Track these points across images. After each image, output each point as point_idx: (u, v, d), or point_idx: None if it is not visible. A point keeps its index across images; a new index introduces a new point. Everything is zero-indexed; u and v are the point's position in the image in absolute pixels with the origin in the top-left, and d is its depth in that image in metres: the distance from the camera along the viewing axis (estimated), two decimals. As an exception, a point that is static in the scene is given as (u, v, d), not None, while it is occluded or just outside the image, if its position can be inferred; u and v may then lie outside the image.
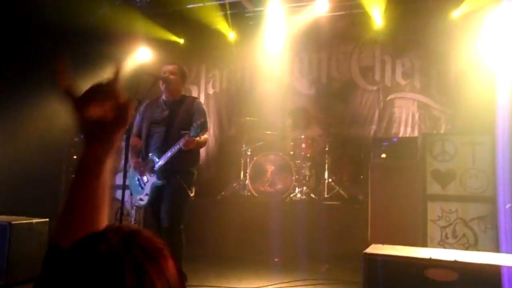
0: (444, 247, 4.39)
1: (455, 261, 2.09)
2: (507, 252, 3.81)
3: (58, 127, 6.91)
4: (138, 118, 3.60)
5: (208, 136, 4.07)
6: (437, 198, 4.55)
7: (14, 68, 5.94)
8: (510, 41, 5.44)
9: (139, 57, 7.02)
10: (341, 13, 6.64)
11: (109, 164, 0.88)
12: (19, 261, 3.60)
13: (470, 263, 2.08)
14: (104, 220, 0.86)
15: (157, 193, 3.43)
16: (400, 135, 6.15)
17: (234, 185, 6.04)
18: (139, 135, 3.58)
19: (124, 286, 0.57)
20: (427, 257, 2.14)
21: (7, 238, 3.53)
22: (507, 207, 5.19)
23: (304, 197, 5.56)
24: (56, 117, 6.77)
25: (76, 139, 6.92)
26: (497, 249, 4.20)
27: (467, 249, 4.29)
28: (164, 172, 3.37)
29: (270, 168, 5.59)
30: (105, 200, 0.87)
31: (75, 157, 6.87)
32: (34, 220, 3.82)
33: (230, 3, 6.74)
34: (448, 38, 6.05)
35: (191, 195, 3.56)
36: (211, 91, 7.39)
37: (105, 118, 0.84)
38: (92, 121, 0.84)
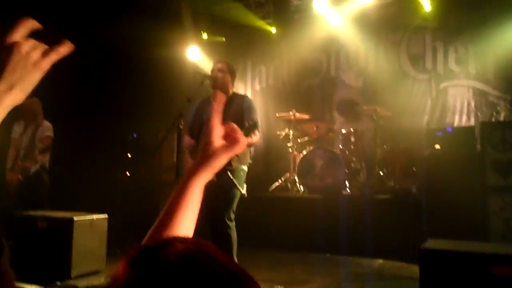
0: (505, 243, 4.16)
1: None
2: None
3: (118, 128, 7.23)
4: (190, 118, 3.67)
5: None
6: (499, 189, 4.31)
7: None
8: None
9: (189, 55, 7.18)
10: (387, 0, 6.43)
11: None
12: (81, 255, 3.80)
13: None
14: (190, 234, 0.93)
15: (208, 189, 3.47)
16: (455, 124, 5.88)
17: (283, 180, 6.03)
18: (191, 135, 3.64)
19: None
20: (492, 252, 2.04)
21: (71, 233, 3.73)
22: None
23: (355, 191, 5.46)
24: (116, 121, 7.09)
25: (129, 139, 7.19)
26: None
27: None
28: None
29: (319, 162, 5.53)
30: (195, 215, 0.97)
31: (129, 155, 7.15)
32: (95, 216, 4.01)
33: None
34: (505, 18, 5.69)
35: (243, 192, 3.57)
36: (258, 87, 7.41)
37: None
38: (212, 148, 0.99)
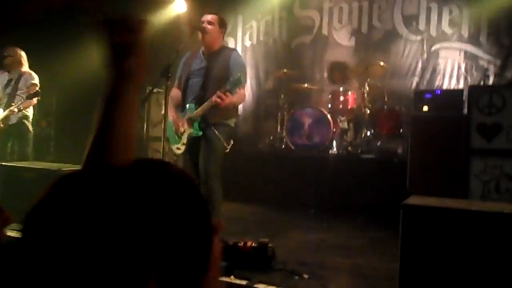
0: (486, 202, 4.29)
1: (501, 213, 2.05)
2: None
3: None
4: (179, 69, 3.61)
5: (246, 90, 4.04)
6: (481, 152, 4.40)
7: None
8: None
9: (176, 8, 6.96)
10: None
11: (136, 95, 0.89)
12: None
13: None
14: (133, 151, 0.85)
15: (194, 144, 3.47)
16: (444, 87, 5.90)
17: (271, 138, 6.06)
18: (179, 87, 3.60)
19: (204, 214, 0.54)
20: (470, 208, 2.11)
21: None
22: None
23: (341, 150, 5.52)
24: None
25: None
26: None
27: (511, 203, 4.17)
28: (201, 124, 3.39)
29: (308, 121, 5.55)
30: (133, 129, 0.87)
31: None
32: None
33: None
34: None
35: (228, 147, 3.57)
36: (248, 43, 7.28)
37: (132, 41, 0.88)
38: (124, 40, 0.88)
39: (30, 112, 5.07)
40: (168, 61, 3.32)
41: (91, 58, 6.64)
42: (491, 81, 5.74)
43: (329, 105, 5.70)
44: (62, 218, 0.49)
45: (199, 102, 3.40)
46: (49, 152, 7.18)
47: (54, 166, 4.03)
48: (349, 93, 5.61)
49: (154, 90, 3.89)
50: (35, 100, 4.94)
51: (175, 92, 3.58)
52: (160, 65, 3.30)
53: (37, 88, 4.94)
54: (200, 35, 3.44)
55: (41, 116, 6.89)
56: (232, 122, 3.57)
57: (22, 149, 5.01)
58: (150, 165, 0.56)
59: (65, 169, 3.79)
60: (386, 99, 5.70)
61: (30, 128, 5.08)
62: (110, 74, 0.89)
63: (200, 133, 3.41)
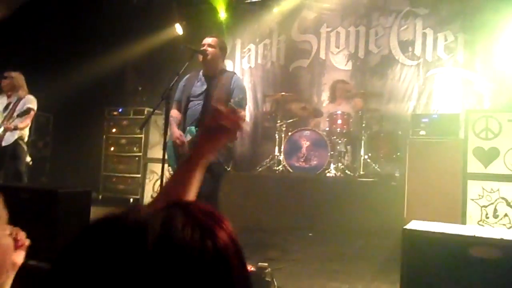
0: (484, 227, 4.28)
1: (501, 239, 2.04)
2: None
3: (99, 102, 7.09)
4: (178, 92, 3.63)
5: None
6: (479, 176, 4.41)
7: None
8: None
9: (174, 31, 7.07)
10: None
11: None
12: (64, 229, 3.76)
13: (517, 242, 2.03)
14: None
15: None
16: (441, 111, 5.96)
17: (269, 160, 6.06)
18: (178, 109, 3.61)
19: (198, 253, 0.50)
20: (471, 234, 2.10)
21: (55, 206, 3.67)
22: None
23: (339, 173, 5.52)
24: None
25: (114, 113, 7.09)
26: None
27: (509, 229, 4.17)
28: None
29: (305, 143, 5.56)
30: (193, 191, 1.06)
31: (113, 130, 7.07)
32: (79, 190, 3.97)
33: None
34: (495, 8, 5.74)
35: (227, 169, 3.57)
36: (246, 66, 7.36)
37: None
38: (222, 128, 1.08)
39: (26, 133, 5.07)
40: (169, 84, 3.34)
41: (89, 80, 6.70)
42: (486, 105, 5.81)
43: (327, 128, 5.73)
44: (91, 266, 0.48)
45: (199, 125, 3.41)
46: (44, 172, 7.13)
47: (49, 187, 4.00)
48: (347, 116, 5.65)
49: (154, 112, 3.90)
50: (28, 120, 4.93)
51: (175, 113, 3.60)
52: (159, 87, 3.32)
53: (32, 112, 4.93)
54: (200, 57, 3.48)
55: (38, 137, 6.88)
56: (231, 144, 3.58)
57: (17, 169, 4.97)
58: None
59: (60, 190, 3.76)
60: (383, 122, 5.75)
61: (25, 148, 5.06)
62: (196, 150, 1.10)
63: None
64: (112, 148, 7.03)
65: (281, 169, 5.78)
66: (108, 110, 7.15)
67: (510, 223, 4.24)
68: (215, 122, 1.07)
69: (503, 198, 4.30)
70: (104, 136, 7.10)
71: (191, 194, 1.02)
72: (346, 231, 4.73)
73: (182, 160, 1.13)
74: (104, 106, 7.18)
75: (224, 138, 1.10)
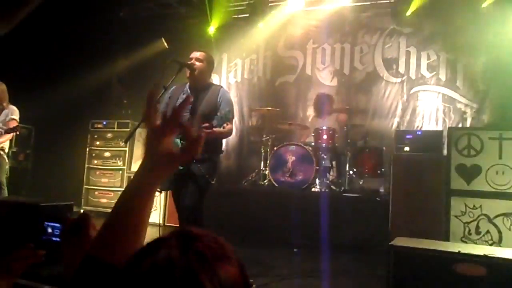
0: (467, 243, 4.32)
1: (485, 256, 2.06)
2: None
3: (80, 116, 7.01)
4: (163, 104, 3.60)
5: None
6: (461, 193, 4.46)
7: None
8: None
9: (162, 44, 7.07)
10: (366, 3, 6.54)
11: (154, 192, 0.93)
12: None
13: (500, 258, 2.05)
14: (142, 243, 0.89)
15: (178, 179, 3.41)
16: (424, 128, 6.05)
17: (254, 174, 6.04)
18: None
19: None
20: (455, 251, 2.12)
21: (36, 219, 3.59)
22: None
23: (324, 188, 5.53)
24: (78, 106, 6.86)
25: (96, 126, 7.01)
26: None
27: (491, 246, 4.21)
28: None
29: (291, 158, 5.57)
30: (145, 225, 0.90)
31: (97, 143, 6.98)
32: (61, 203, 3.89)
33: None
34: (476, 29, 5.91)
35: (212, 183, 3.53)
36: (232, 81, 7.38)
37: (172, 150, 0.93)
38: (163, 152, 0.92)
39: (6, 144, 4.98)
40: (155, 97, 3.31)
41: (73, 92, 6.62)
42: (468, 123, 5.92)
43: (312, 143, 5.75)
44: None
45: (185, 138, 3.37)
46: (25, 185, 6.98)
47: (30, 200, 3.90)
48: (332, 131, 5.68)
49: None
50: (10, 135, 4.88)
51: (160, 127, 3.56)
52: (144, 99, 3.29)
53: (16, 124, 4.88)
54: (187, 71, 3.47)
55: (19, 149, 6.75)
56: (217, 157, 3.56)
57: None
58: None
59: (42, 204, 3.67)
60: (368, 138, 5.80)
61: (6, 159, 4.97)
62: (140, 173, 0.93)
63: (185, 169, 3.36)
64: (95, 161, 6.92)
65: (266, 183, 5.77)
66: (92, 123, 7.06)
67: (491, 239, 4.29)
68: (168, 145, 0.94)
69: (485, 215, 4.36)
70: (88, 149, 7.00)
71: (146, 211, 0.90)
72: (331, 247, 4.72)
73: (127, 189, 0.95)
74: (88, 119, 7.09)
75: (182, 159, 0.96)
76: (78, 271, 0.80)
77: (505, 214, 4.31)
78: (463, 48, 6.04)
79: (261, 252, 4.70)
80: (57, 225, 1.29)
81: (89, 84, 6.82)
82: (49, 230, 1.32)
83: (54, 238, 1.30)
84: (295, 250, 4.79)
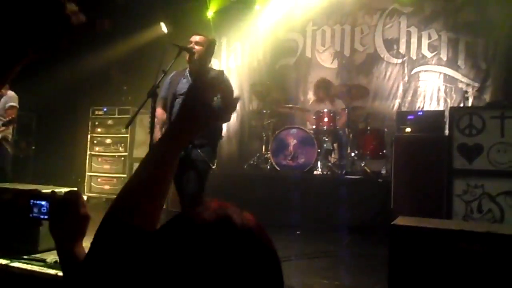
0: (469, 222, 4.34)
1: (487, 233, 2.07)
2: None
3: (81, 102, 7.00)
4: (164, 89, 3.58)
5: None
6: (463, 172, 4.47)
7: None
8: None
9: (159, 30, 7.01)
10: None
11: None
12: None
13: (501, 235, 2.06)
14: (161, 208, 0.89)
15: (178, 166, 3.41)
16: (425, 109, 6.03)
17: (256, 158, 6.05)
18: (164, 107, 3.57)
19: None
20: (458, 229, 2.13)
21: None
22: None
23: (326, 171, 5.54)
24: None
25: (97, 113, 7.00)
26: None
27: (493, 223, 4.24)
28: None
29: (292, 142, 5.57)
30: (167, 191, 0.90)
31: (98, 130, 6.98)
32: (64, 190, 3.90)
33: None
34: (478, 7, 5.84)
35: (213, 167, 3.54)
36: (232, 65, 7.34)
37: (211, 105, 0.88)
38: (207, 105, 0.87)
39: (9, 133, 4.98)
40: (155, 82, 3.30)
41: (74, 79, 6.59)
42: (470, 103, 5.90)
43: (314, 126, 5.75)
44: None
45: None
46: (28, 172, 7.01)
47: (32, 187, 3.92)
48: (333, 114, 5.67)
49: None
50: (12, 125, 4.88)
51: (160, 113, 3.55)
52: (145, 86, 3.28)
53: (15, 114, 4.86)
54: (187, 55, 3.44)
55: (21, 136, 6.76)
56: (216, 142, 3.55)
57: (1, 170, 4.88)
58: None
59: (44, 190, 3.69)
60: (369, 120, 5.79)
61: (9, 149, 4.97)
62: (169, 133, 0.91)
63: (183, 154, 3.35)
64: (97, 148, 6.94)
65: (268, 167, 5.78)
66: (92, 110, 7.05)
67: (493, 218, 4.31)
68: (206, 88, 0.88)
69: (487, 194, 4.37)
70: (89, 136, 7.01)
71: (170, 179, 0.90)
72: (333, 229, 4.75)
73: (160, 140, 0.91)
74: (88, 106, 7.08)
75: (215, 116, 0.89)
76: (99, 231, 0.79)
77: (507, 193, 4.32)
78: (464, 27, 5.98)
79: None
80: (43, 203, 1.28)
81: (88, 71, 6.79)
82: (35, 209, 1.31)
83: (42, 216, 1.29)
84: (297, 232, 4.82)
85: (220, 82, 0.91)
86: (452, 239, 2.05)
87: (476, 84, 5.96)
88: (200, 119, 0.88)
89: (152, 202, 0.86)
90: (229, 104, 0.91)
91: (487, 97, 5.87)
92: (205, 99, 0.87)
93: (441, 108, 5.90)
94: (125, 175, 6.54)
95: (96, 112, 7.05)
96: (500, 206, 4.30)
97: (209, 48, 3.51)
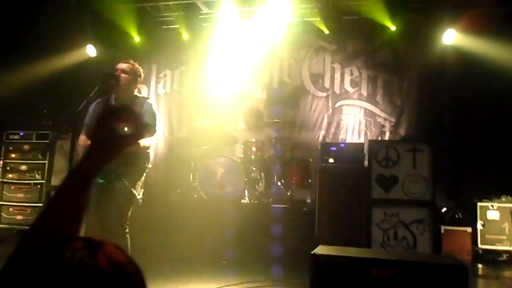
0: (386, 249, 4.59)
1: (396, 260, 2.20)
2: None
3: None
4: (87, 117, 3.46)
5: (156, 138, 3.97)
6: (381, 202, 4.74)
7: None
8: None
9: (86, 52, 6.79)
10: (292, 20, 6.78)
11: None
12: None
13: (409, 262, 2.20)
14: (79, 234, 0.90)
15: (100, 193, 3.27)
16: (347, 141, 6.36)
17: (183, 187, 5.96)
18: (87, 134, 3.43)
19: None
20: (372, 256, 2.24)
21: None
22: (443, 210, 5.52)
23: (253, 200, 5.59)
24: None
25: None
26: (433, 249, 4.48)
27: (407, 250, 4.51)
28: (107, 173, 3.21)
29: (220, 170, 5.57)
30: (82, 216, 0.90)
31: (13, 155, 6.50)
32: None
33: (184, 4, 6.69)
34: (393, 49, 6.39)
35: (139, 197, 3.43)
36: (161, 92, 7.26)
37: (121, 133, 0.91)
38: (114, 134, 0.91)
39: None
40: (77, 108, 3.17)
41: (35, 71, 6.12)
42: (387, 136, 6.33)
43: (241, 155, 5.80)
44: None
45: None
46: None
47: None
48: (261, 143, 5.78)
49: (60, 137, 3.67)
50: None
51: (83, 139, 3.41)
52: (66, 111, 3.15)
53: None
54: (113, 83, 3.36)
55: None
56: (142, 170, 3.46)
57: None
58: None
59: None
60: (295, 150, 5.98)
61: None
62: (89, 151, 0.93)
63: (105, 182, 3.21)
64: (10, 175, 6.42)
65: (195, 196, 5.71)
66: (7, 134, 6.56)
67: (408, 244, 4.59)
68: (115, 123, 0.90)
69: (401, 222, 4.66)
70: (2, 162, 6.48)
71: (81, 220, 0.89)
72: (260, 257, 4.77)
73: (67, 176, 0.93)
74: (2, 129, 6.58)
75: (123, 144, 0.92)
76: (6, 266, 0.75)
77: (419, 221, 4.64)
78: (381, 66, 6.49)
79: (189, 266, 4.63)
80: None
81: (4, 92, 6.34)
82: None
83: None
84: (223, 262, 4.77)
85: (130, 111, 0.95)
86: (365, 267, 2.15)
87: (393, 119, 6.42)
88: (107, 147, 0.90)
89: (66, 227, 0.85)
90: (136, 131, 0.93)
91: (402, 131, 6.34)
92: (112, 127, 0.90)
93: (361, 140, 6.27)
94: (40, 204, 6.09)
95: (11, 136, 6.56)
96: (413, 233, 4.60)
97: (135, 77, 3.46)
